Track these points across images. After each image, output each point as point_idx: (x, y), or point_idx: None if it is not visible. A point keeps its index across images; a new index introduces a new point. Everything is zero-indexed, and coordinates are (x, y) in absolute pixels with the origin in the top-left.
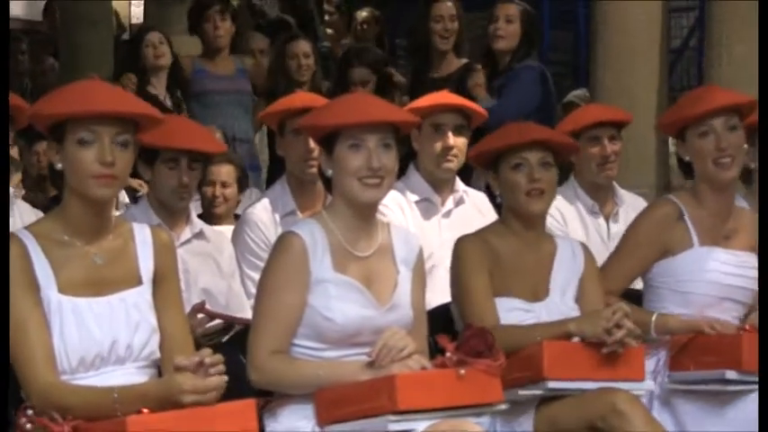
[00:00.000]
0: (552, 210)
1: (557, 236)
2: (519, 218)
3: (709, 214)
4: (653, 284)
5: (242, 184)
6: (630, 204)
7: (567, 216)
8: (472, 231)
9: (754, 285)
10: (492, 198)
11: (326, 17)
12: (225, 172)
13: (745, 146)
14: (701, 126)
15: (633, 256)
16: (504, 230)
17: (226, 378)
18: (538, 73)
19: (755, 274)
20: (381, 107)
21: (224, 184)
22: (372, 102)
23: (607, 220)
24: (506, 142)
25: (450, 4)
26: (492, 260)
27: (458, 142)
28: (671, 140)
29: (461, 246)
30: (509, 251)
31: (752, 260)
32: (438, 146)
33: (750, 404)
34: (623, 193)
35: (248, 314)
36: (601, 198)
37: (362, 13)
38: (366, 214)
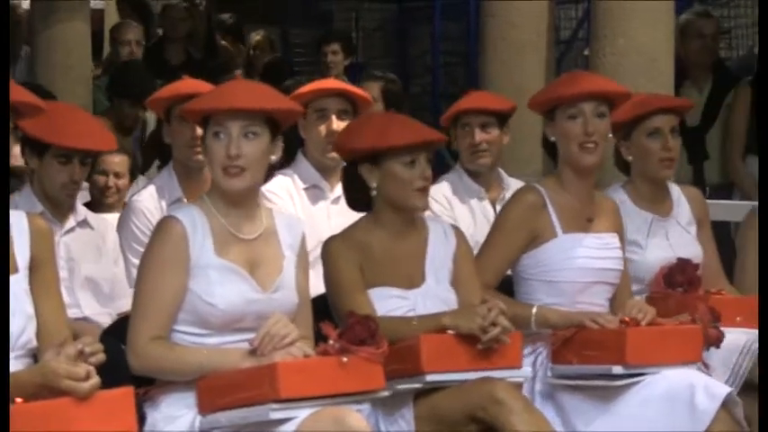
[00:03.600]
0: (438, 195)
1: (428, 218)
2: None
3: (572, 199)
4: (522, 276)
5: (134, 174)
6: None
7: (453, 201)
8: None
9: (620, 265)
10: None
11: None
12: (118, 162)
13: (610, 135)
14: (571, 108)
15: (503, 245)
16: (372, 224)
17: (103, 358)
18: None
19: (619, 254)
20: (249, 94)
21: (117, 175)
22: (244, 88)
23: (494, 204)
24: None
25: None
26: (362, 255)
27: (342, 127)
28: None
29: (328, 247)
30: (379, 243)
31: (614, 241)
32: (322, 130)
33: (633, 397)
34: (511, 181)
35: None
36: (485, 183)
37: (256, 37)
38: (240, 202)
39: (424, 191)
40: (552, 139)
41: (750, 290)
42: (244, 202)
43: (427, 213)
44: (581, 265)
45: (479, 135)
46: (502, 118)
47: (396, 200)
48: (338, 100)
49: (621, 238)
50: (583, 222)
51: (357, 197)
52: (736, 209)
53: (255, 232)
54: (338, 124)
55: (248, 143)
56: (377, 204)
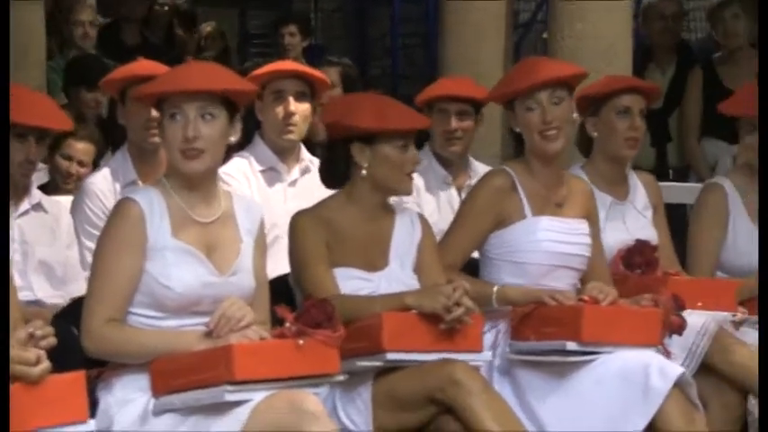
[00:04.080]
0: None
1: (396, 205)
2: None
3: (540, 184)
4: (489, 256)
5: (96, 163)
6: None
7: (419, 186)
8: (313, 203)
9: (587, 251)
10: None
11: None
12: (84, 150)
13: (576, 116)
14: (527, 100)
15: (470, 227)
16: (343, 203)
17: (54, 341)
18: None
19: (587, 240)
20: (204, 75)
21: (81, 163)
22: (199, 70)
23: (459, 191)
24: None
25: None
26: (329, 232)
27: (299, 108)
28: None
29: (296, 221)
30: (349, 223)
31: (583, 226)
32: (279, 112)
33: (588, 375)
34: (477, 165)
35: (84, 285)
36: (454, 170)
37: (206, 28)
38: (198, 184)
39: (412, 175)
40: (517, 129)
41: (702, 269)
42: (202, 184)
43: (394, 199)
44: (547, 248)
45: (456, 122)
46: (477, 106)
47: (386, 182)
48: (295, 82)
49: (593, 222)
50: (552, 207)
51: (336, 174)
52: (695, 191)
53: (213, 215)
54: (295, 106)
55: (205, 125)
56: (356, 184)
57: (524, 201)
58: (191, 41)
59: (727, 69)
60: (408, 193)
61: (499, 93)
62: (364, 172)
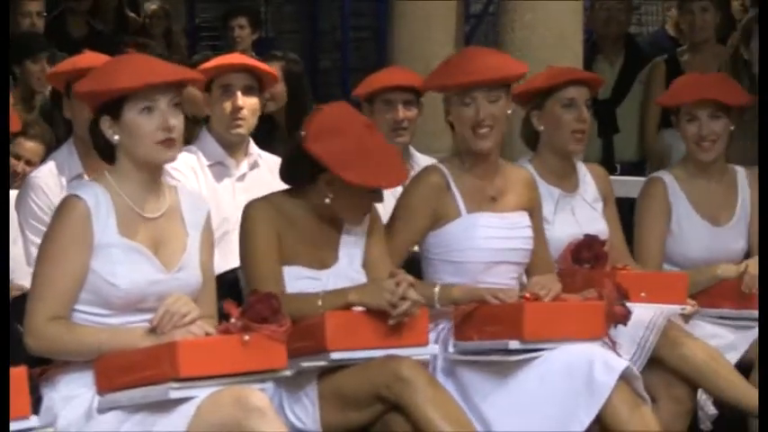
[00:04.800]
0: None
1: None
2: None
3: (474, 179)
4: (428, 257)
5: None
6: None
7: None
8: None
9: (527, 245)
10: None
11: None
12: (33, 150)
13: (509, 112)
14: (462, 95)
15: (407, 225)
16: (294, 195)
17: None
18: None
19: (528, 233)
20: (166, 67)
21: (29, 162)
22: (155, 62)
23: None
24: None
25: None
26: (282, 225)
27: (247, 103)
28: None
29: (250, 210)
30: (301, 217)
31: (522, 219)
32: (227, 107)
33: (532, 372)
34: (420, 157)
35: (29, 281)
36: None
37: (151, 6)
38: (157, 176)
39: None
40: (450, 118)
41: (649, 263)
42: (159, 176)
43: None
44: (484, 245)
45: (403, 112)
46: (419, 96)
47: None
48: (243, 76)
49: (535, 213)
50: (488, 202)
51: (300, 171)
52: None
53: (159, 210)
54: (243, 100)
55: (177, 115)
56: (318, 183)
57: (459, 199)
58: (136, 22)
59: (692, 62)
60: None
61: (436, 84)
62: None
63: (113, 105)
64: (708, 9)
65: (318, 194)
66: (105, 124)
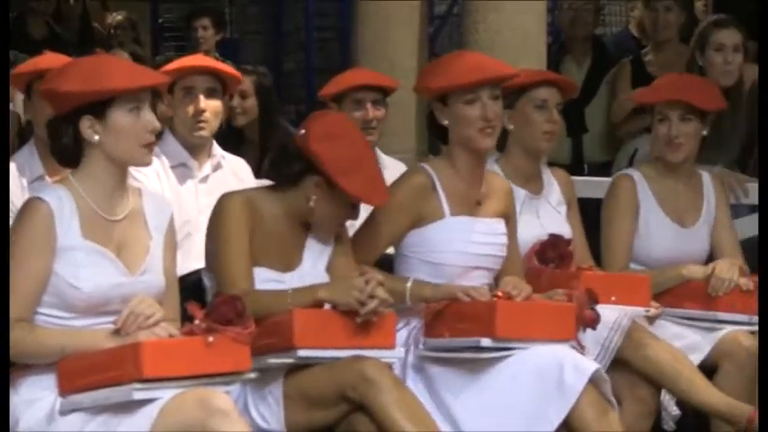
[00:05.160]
0: None
1: None
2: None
3: (462, 181)
4: (405, 254)
5: None
6: (393, 169)
7: None
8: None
9: (502, 252)
10: None
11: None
12: None
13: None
14: (468, 94)
15: (386, 224)
16: (270, 194)
17: None
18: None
19: (504, 240)
20: (149, 70)
21: None
22: (135, 65)
23: None
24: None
25: None
26: (256, 222)
27: (210, 105)
28: None
29: (225, 202)
30: (273, 216)
31: (500, 226)
32: (190, 109)
33: (503, 371)
34: (386, 158)
35: None
36: None
37: (117, 17)
38: (124, 178)
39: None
40: (445, 122)
41: (616, 259)
42: (125, 178)
43: None
44: (464, 250)
45: (372, 111)
46: (386, 96)
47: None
48: (206, 78)
49: (510, 220)
50: (471, 205)
51: (289, 168)
52: None
53: (122, 213)
54: (206, 103)
55: (153, 116)
56: (304, 184)
57: (443, 200)
58: (104, 32)
59: (656, 62)
60: None
61: (440, 85)
62: None
63: (99, 105)
64: (671, 8)
65: (300, 195)
66: (86, 124)
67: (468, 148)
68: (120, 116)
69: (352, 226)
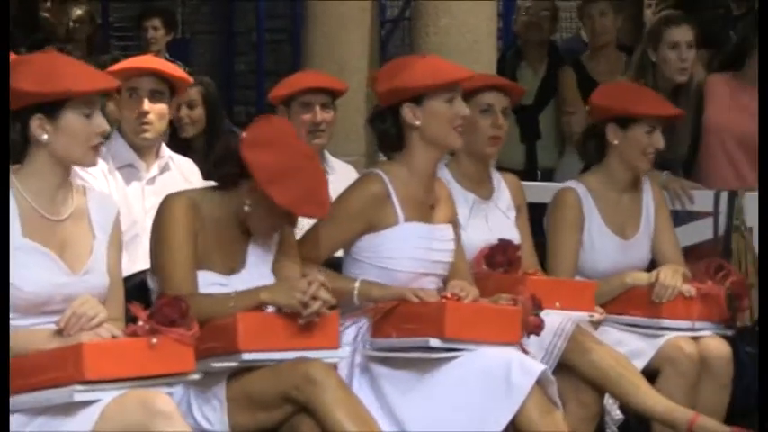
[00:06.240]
0: None
1: None
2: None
3: (416, 185)
4: (355, 257)
5: None
6: (341, 173)
7: None
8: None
9: (451, 257)
10: None
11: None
12: None
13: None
14: (448, 92)
15: (339, 228)
16: (214, 195)
17: None
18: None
19: (452, 246)
20: (103, 74)
21: None
22: (89, 68)
23: None
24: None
25: None
26: (200, 224)
27: (154, 108)
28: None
29: (168, 204)
30: (216, 217)
31: (449, 232)
32: (134, 111)
33: (451, 372)
34: (334, 162)
35: None
36: None
37: (77, 11)
38: (68, 177)
39: None
40: (417, 122)
41: (560, 272)
42: (61, 181)
43: None
44: (416, 256)
45: (321, 114)
46: (335, 99)
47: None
48: (151, 80)
49: (456, 226)
50: (425, 211)
51: (226, 171)
52: None
53: (65, 213)
54: (150, 106)
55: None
56: (241, 188)
57: (397, 207)
58: (60, 26)
59: (595, 66)
60: None
61: (421, 84)
62: None
63: (52, 106)
64: (606, 13)
65: (238, 199)
66: (36, 123)
67: (439, 147)
68: (72, 118)
69: (301, 230)
